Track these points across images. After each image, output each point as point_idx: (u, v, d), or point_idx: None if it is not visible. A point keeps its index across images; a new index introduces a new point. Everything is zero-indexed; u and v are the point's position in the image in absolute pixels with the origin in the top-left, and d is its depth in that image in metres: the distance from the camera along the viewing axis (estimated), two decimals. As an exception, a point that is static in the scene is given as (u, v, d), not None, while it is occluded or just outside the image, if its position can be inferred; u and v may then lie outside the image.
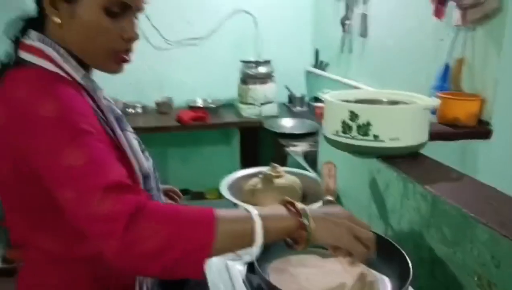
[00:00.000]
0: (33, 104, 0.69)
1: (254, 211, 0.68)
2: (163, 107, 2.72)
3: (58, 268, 0.81)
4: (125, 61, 0.83)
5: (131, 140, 0.85)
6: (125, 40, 0.80)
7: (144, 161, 0.87)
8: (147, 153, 0.93)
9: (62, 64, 0.77)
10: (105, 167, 0.67)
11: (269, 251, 0.81)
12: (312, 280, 0.79)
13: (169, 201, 1.21)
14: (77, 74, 0.78)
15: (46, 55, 0.77)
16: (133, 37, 0.81)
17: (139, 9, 0.82)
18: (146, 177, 0.86)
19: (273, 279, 0.76)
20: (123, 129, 0.85)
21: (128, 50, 0.83)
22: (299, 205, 0.71)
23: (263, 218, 0.67)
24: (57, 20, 0.76)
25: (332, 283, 0.78)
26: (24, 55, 0.77)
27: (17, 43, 0.80)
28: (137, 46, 0.86)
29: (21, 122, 0.70)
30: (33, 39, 0.78)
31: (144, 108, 2.75)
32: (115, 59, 0.81)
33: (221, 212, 0.68)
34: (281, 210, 0.71)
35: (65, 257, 0.80)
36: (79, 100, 0.74)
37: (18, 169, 0.73)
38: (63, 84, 0.74)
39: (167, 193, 1.23)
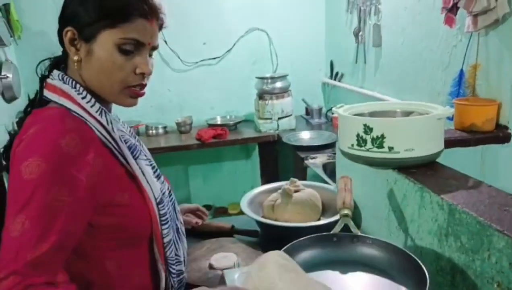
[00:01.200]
0: (24, 158, 0.73)
1: None
2: (183, 127, 2.80)
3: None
4: (139, 95, 0.88)
5: (144, 167, 0.89)
6: (137, 75, 0.85)
7: (158, 187, 0.91)
8: (162, 178, 0.97)
9: (79, 101, 0.82)
10: (29, 248, 0.68)
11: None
12: None
13: (196, 220, 1.27)
14: (92, 109, 0.83)
15: (66, 94, 0.83)
16: (145, 72, 0.86)
17: (153, 47, 0.87)
18: (159, 202, 0.89)
19: None
20: (136, 158, 0.88)
21: (141, 85, 0.87)
22: None
23: None
24: (76, 57, 0.83)
25: None
26: (48, 94, 0.84)
27: (43, 82, 0.87)
28: (155, 72, 0.90)
29: (13, 168, 0.74)
30: (55, 78, 0.85)
31: (165, 128, 2.83)
32: (129, 93, 0.87)
33: None
34: None
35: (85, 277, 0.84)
36: (76, 153, 0.76)
37: None
38: (70, 132, 0.77)
39: (194, 213, 1.28)
